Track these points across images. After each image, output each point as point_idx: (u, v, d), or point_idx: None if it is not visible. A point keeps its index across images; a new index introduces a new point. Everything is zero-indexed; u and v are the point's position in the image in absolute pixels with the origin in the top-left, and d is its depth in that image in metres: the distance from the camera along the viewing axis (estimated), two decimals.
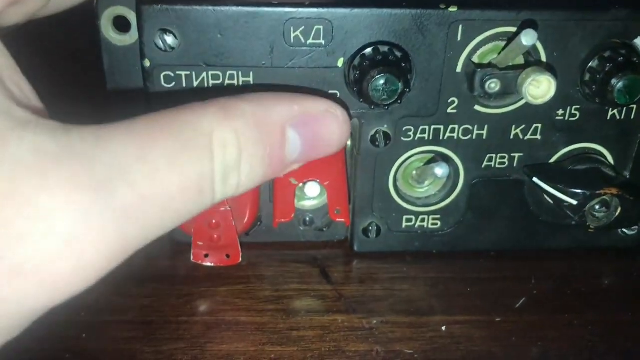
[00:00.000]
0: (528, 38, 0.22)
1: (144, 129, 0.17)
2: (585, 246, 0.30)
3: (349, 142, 0.27)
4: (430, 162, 0.27)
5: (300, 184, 0.28)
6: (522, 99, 0.25)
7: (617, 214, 0.26)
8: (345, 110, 0.22)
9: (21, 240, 0.15)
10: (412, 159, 0.28)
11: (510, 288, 0.28)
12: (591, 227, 0.27)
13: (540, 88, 0.24)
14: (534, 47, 0.25)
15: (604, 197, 0.26)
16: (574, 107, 0.27)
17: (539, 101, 0.24)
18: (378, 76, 0.24)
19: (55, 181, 0.15)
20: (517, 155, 0.27)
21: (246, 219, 0.28)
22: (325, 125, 0.22)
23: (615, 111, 0.27)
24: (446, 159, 0.27)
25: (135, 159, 0.17)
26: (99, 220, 0.16)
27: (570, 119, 0.27)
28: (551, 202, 0.27)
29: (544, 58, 0.25)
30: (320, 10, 0.24)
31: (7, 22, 0.20)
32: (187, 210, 0.18)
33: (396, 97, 0.24)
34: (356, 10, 0.24)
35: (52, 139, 0.16)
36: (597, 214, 0.26)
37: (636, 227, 0.29)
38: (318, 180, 0.27)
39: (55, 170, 0.16)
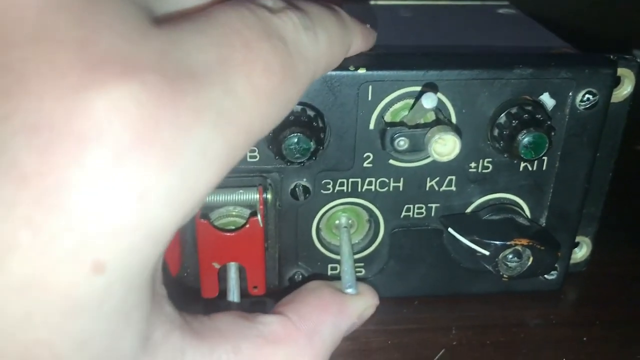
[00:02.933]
0: (428, 101, 0.23)
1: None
2: (507, 291, 0.31)
3: (270, 196, 0.28)
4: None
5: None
6: None
7: (529, 263, 0.27)
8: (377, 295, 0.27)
9: None
10: (334, 209, 0.28)
11: (430, 339, 0.29)
12: (505, 276, 0.27)
13: (446, 146, 0.25)
14: (444, 105, 0.26)
15: (516, 247, 0.27)
16: (486, 160, 0.28)
17: (445, 158, 0.25)
18: (290, 136, 0.24)
19: None
20: (433, 205, 0.28)
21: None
22: (366, 318, 0.27)
23: (527, 163, 0.28)
24: (366, 210, 0.28)
25: None
26: None
27: (484, 170, 0.28)
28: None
29: (453, 115, 0.26)
30: None
31: None
32: None
33: (309, 155, 0.25)
34: None
35: (180, 353, 0.19)
36: (510, 264, 0.27)
37: (555, 271, 0.30)
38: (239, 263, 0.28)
39: None
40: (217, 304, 0.29)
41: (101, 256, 0.15)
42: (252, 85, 0.18)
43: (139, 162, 0.15)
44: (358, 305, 0.26)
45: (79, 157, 0.15)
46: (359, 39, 0.24)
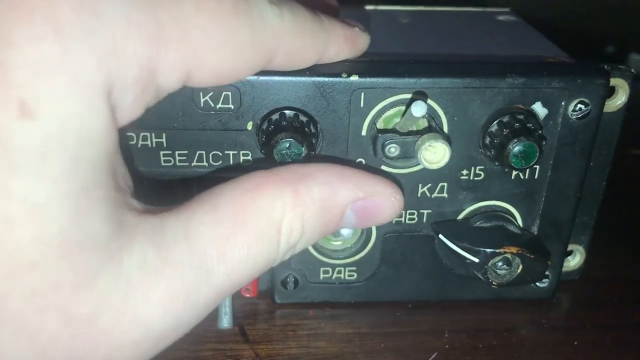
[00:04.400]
0: (417, 109, 0.23)
1: (227, 220, 0.20)
2: (499, 298, 0.31)
3: None
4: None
5: None
6: None
7: (519, 271, 0.27)
8: (400, 191, 0.24)
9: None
10: None
11: (424, 342, 0.29)
12: (494, 283, 0.28)
13: (436, 153, 0.25)
14: (436, 112, 0.26)
15: (505, 255, 0.27)
16: (478, 168, 0.28)
17: (434, 166, 0.25)
18: (282, 141, 0.25)
19: (155, 296, 0.18)
20: (425, 211, 0.29)
21: None
22: (382, 210, 0.24)
23: (518, 171, 0.28)
24: None
25: (218, 259, 0.20)
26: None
27: (475, 178, 0.28)
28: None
29: (445, 123, 0.26)
30: None
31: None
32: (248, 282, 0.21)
33: (301, 160, 0.25)
34: (262, 78, 0.25)
35: (154, 250, 0.18)
36: (499, 271, 0.27)
37: (547, 279, 0.31)
38: None
39: (155, 285, 0.18)
40: None
41: (25, 95, 0.15)
42: (199, 3, 0.19)
43: None
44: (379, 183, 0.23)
45: None
46: (341, 40, 0.24)
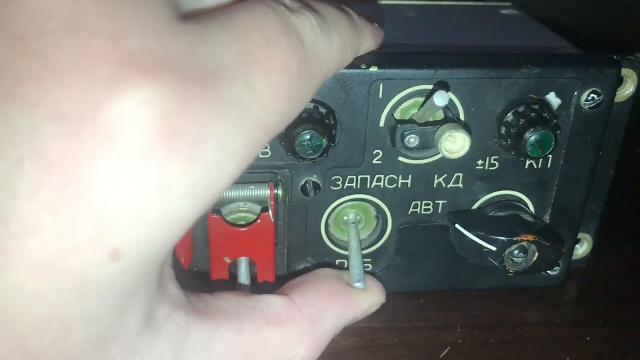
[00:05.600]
0: (440, 99, 0.24)
1: (243, 347, 0.22)
2: (510, 286, 0.31)
3: (280, 192, 0.28)
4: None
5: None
6: None
7: (534, 258, 0.28)
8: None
9: None
10: (342, 205, 0.29)
11: (436, 337, 0.29)
12: (510, 271, 0.28)
13: (456, 143, 0.25)
14: (452, 103, 0.27)
15: (522, 243, 0.27)
16: (492, 157, 0.28)
17: (454, 155, 0.26)
18: (303, 132, 0.25)
19: None
20: (440, 202, 0.29)
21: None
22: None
23: (532, 160, 0.28)
24: (374, 206, 0.29)
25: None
26: None
27: (490, 168, 0.28)
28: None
29: (461, 113, 0.27)
30: None
31: None
32: None
33: (321, 152, 0.25)
34: None
35: (171, 355, 0.20)
36: (515, 259, 0.28)
37: (557, 267, 0.31)
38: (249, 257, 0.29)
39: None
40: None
41: (119, 245, 0.16)
42: (271, 83, 0.19)
43: (164, 157, 0.16)
44: (366, 301, 0.27)
45: (106, 149, 0.15)
46: (369, 39, 0.25)
